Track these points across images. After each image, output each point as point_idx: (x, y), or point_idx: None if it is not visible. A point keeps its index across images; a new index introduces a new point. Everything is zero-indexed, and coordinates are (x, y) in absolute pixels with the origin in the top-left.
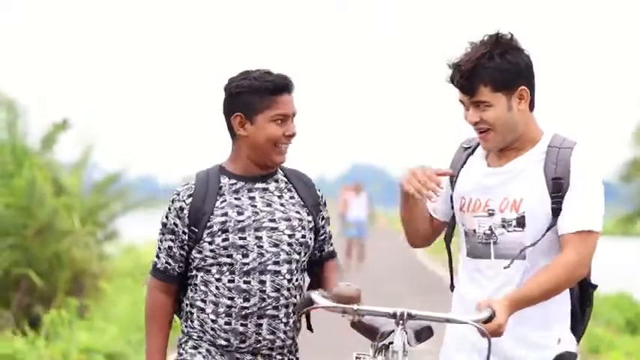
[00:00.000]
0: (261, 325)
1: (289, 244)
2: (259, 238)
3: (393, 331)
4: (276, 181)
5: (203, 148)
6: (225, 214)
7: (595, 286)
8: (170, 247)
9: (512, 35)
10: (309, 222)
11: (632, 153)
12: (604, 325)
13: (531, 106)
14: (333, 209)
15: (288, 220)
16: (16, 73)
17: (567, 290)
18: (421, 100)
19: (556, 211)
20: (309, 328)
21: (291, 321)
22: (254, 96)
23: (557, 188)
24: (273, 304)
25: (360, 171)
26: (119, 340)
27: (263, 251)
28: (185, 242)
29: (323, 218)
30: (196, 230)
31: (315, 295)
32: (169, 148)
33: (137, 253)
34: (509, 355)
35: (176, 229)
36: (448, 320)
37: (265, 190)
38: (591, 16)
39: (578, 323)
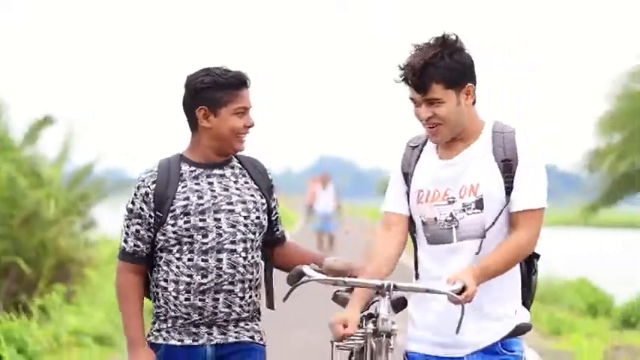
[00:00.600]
0: (217, 299)
1: (245, 225)
2: (218, 219)
3: (374, 302)
4: (232, 167)
5: (169, 140)
6: (187, 199)
7: (538, 256)
8: (138, 231)
9: (457, 37)
10: (263, 204)
11: (595, 143)
12: (566, 309)
13: (473, 101)
14: (300, 202)
15: (244, 202)
16: (14, 72)
17: (518, 268)
18: (396, 96)
19: (509, 190)
20: (270, 306)
21: (247, 296)
22: (218, 91)
23: (508, 168)
24: (229, 279)
25: (327, 163)
26: (106, 324)
27: (221, 231)
28: (151, 225)
29: (274, 200)
30: (161, 214)
31: (307, 269)
32: (138, 141)
33: (114, 242)
34: (475, 327)
35: (142, 212)
36: (428, 291)
37: (222, 176)
38: (568, 15)
39: (527, 291)
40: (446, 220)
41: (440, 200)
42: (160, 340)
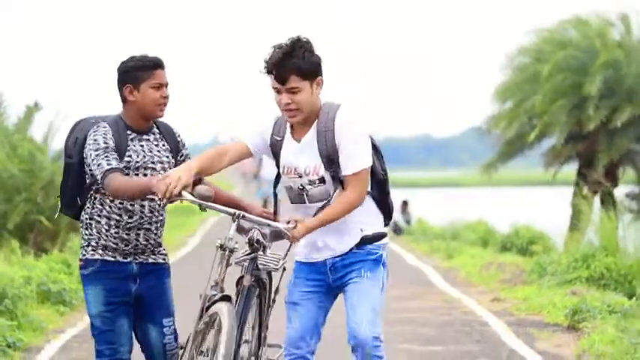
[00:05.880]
0: (139, 234)
1: None
2: (145, 175)
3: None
4: (154, 133)
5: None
6: (130, 157)
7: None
8: (115, 158)
9: (309, 40)
10: (172, 163)
11: (492, 109)
12: (463, 242)
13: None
14: (232, 172)
15: (161, 162)
16: (14, 71)
17: (368, 198)
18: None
19: (335, 177)
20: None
21: (159, 232)
22: (139, 71)
23: (330, 162)
24: (148, 220)
25: None
26: None
27: None
28: None
29: (182, 155)
30: None
31: (185, 193)
32: None
33: None
34: (334, 241)
35: (114, 148)
36: (269, 225)
37: (148, 140)
38: None
39: (387, 208)
40: (298, 189)
41: (292, 174)
42: (97, 256)
